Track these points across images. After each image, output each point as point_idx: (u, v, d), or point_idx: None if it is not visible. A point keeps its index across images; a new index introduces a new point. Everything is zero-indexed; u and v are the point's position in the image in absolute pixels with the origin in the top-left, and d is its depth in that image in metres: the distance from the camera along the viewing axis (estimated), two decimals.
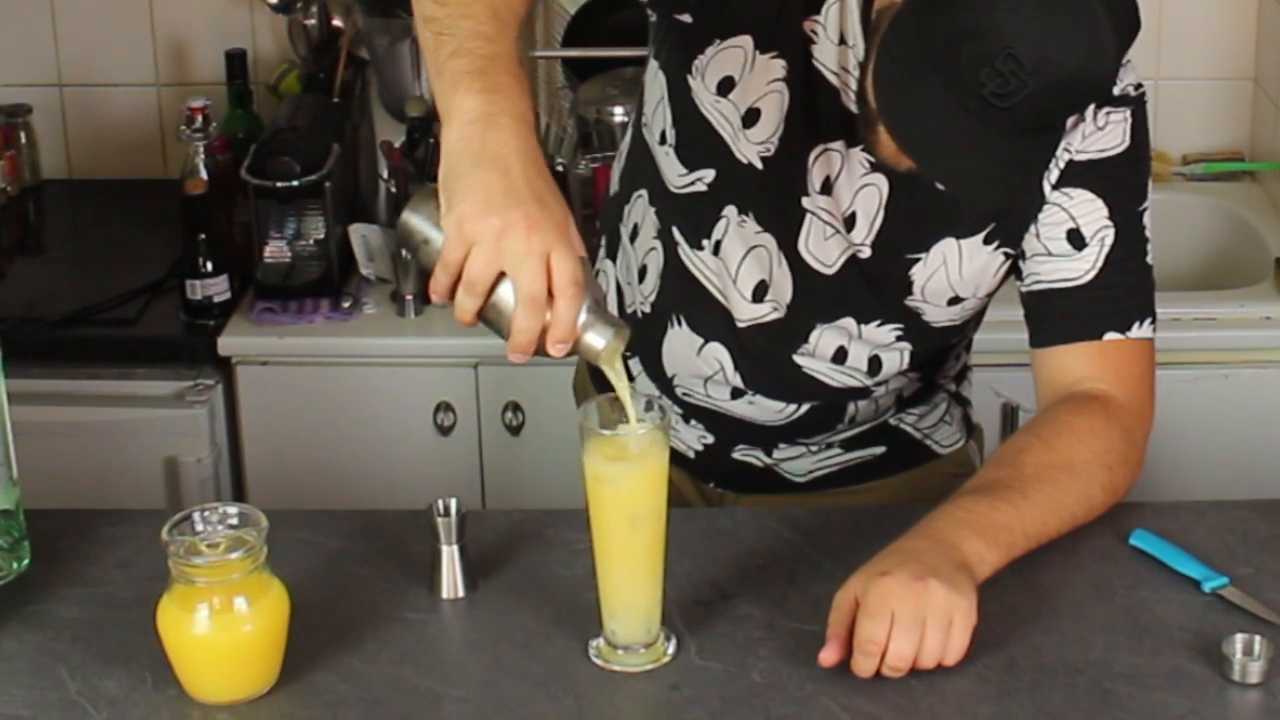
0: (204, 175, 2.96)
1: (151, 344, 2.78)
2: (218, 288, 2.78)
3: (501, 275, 1.46)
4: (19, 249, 3.15)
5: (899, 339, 1.85)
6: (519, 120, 1.48)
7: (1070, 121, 1.72)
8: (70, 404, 2.75)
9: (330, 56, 3.01)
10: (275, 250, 2.82)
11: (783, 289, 1.82)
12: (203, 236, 2.79)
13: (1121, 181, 1.78)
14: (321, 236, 2.82)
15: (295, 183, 2.77)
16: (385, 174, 2.97)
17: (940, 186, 1.65)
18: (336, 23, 3.05)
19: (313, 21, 3.06)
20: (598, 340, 1.50)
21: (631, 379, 1.97)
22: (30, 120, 3.21)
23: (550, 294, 1.45)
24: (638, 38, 1.92)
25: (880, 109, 1.60)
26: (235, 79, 3.11)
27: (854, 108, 1.74)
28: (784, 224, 1.80)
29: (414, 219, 1.53)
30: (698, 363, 1.88)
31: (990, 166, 1.57)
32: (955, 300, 1.84)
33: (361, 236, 2.87)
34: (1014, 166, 1.60)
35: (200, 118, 2.96)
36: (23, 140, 3.21)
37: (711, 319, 1.86)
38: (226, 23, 3.21)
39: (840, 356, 1.85)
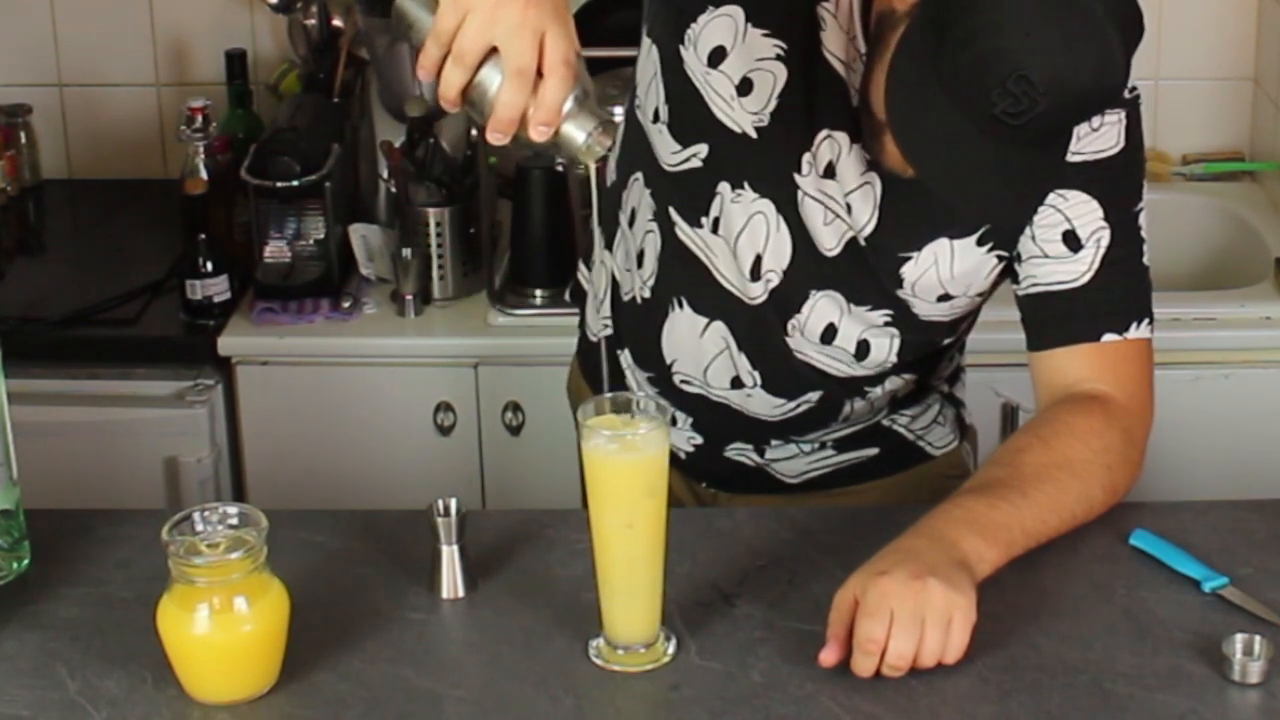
0: (204, 175, 2.97)
1: (151, 344, 2.78)
2: (218, 288, 2.78)
3: (491, 53, 1.45)
4: (19, 249, 3.15)
5: (887, 324, 1.85)
6: None
7: None
8: (70, 404, 2.75)
9: (330, 56, 3.01)
10: (275, 250, 2.82)
11: (781, 253, 1.81)
12: (203, 236, 2.79)
13: (1117, 183, 1.78)
14: (321, 236, 2.82)
15: (295, 183, 2.77)
16: (385, 174, 2.97)
17: (949, 198, 1.65)
18: (336, 23, 3.05)
19: (313, 21, 3.06)
20: (578, 132, 1.48)
21: (621, 377, 1.97)
22: (30, 120, 3.21)
23: (540, 74, 1.44)
24: (637, 38, 1.92)
25: (890, 125, 1.61)
26: (235, 79, 3.11)
27: (857, 104, 1.74)
28: (781, 190, 1.80)
29: (405, 2, 1.52)
30: (701, 344, 1.88)
31: (1000, 180, 1.58)
32: (945, 297, 1.84)
33: (361, 236, 2.88)
34: (1024, 178, 1.60)
35: (200, 118, 2.96)
36: (23, 140, 3.21)
37: (714, 298, 1.85)
38: (226, 23, 3.21)
39: (829, 335, 1.85)
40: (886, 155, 1.70)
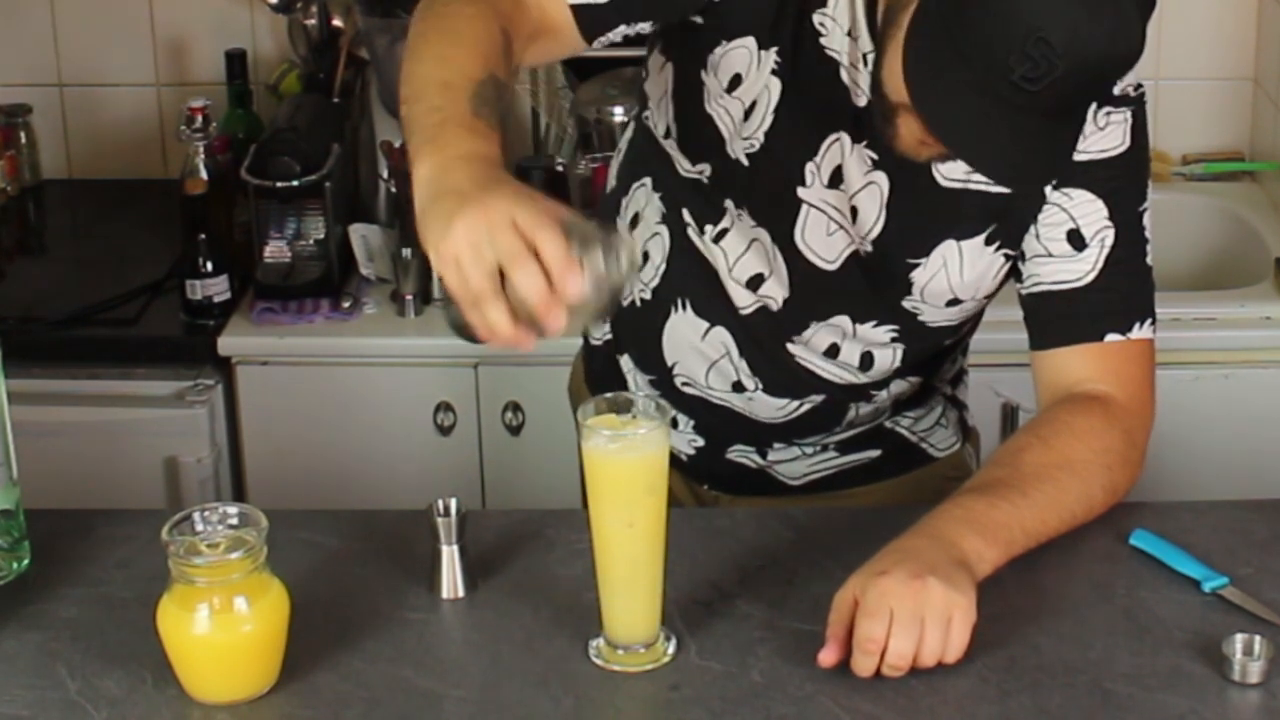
0: (204, 175, 2.97)
1: (151, 344, 2.78)
2: (218, 288, 2.78)
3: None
4: (19, 249, 3.15)
5: (894, 340, 1.85)
6: (470, 159, 1.50)
7: None
8: (70, 404, 2.75)
9: (330, 56, 3.01)
10: (275, 250, 2.82)
11: (779, 284, 1.82)
12: (203, 236, 2.79)
13: (1122, 182, 1.78)
14: (321, 236, 2.82)
15: (295, 183, 2.77)
16: (385, 174, 2.97)
17: (970, 168, 1.64)
18: (336, 23, 3.05)
19: (313, 21, 3.06)
20: (599, 263, 1.47)
21: (623, 382, 1.97)
22: (30, 120, 3.21)
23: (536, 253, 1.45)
24: (637, 38, 1.91)
25: (910, 98, 1.60)
26: (235, 79, 3.11)
27: (861, 103, 1.74)
28: (777, 218, 1.80)
29: (446, 314, 1.54)
30: (701, 348, 1.88)
31: (1019, 147, 1.57)
32: (954, 302, 1.84)
33: (361, 236, 2.88)
34: (1043, 146, 1.60)
35: (200, 118, 2.96)
36: (23, 140, 3.21)
37: (717, 303, 1.86)
38: (226, 23, 3.21)
39: (832, 352, 1.85)
40: (900, 139, 1.69)
